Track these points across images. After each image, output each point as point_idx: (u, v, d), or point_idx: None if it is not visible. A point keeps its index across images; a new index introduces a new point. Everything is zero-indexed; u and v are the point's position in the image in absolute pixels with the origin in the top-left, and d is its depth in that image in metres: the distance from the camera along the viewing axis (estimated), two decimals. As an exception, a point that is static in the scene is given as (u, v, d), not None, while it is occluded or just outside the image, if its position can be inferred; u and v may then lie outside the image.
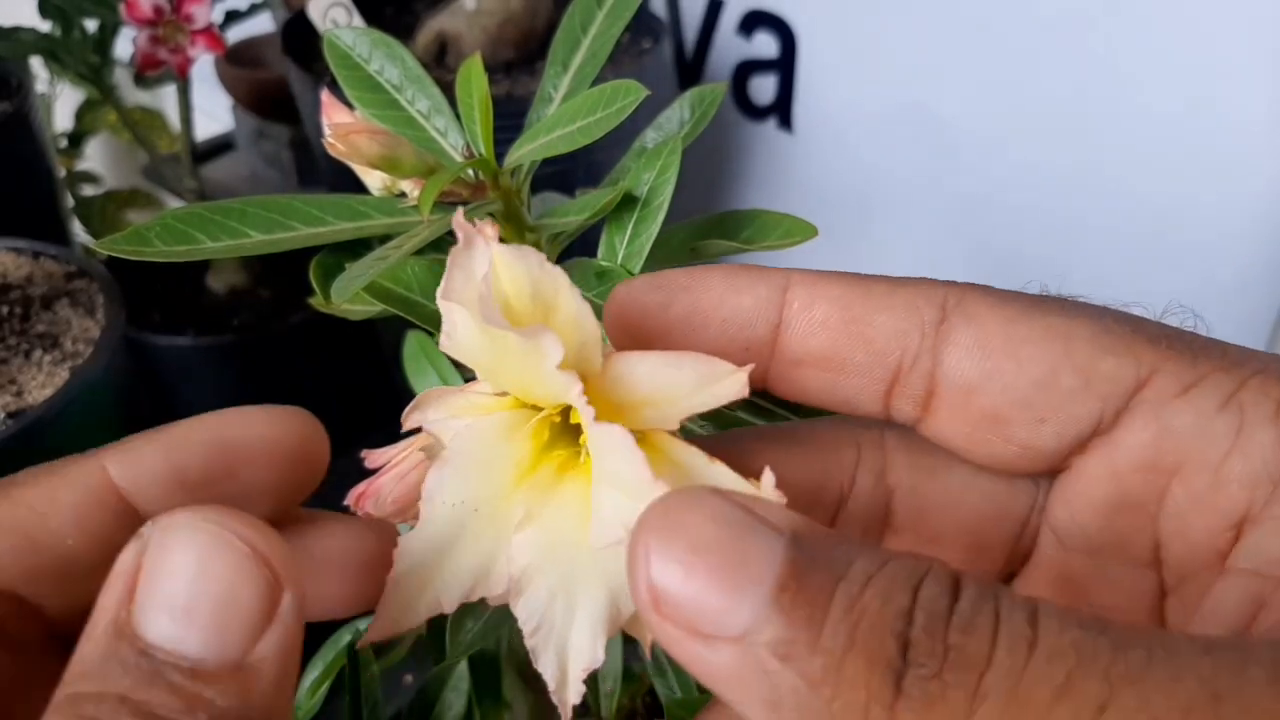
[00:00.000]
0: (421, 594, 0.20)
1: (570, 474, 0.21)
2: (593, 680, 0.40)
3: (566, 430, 0.21)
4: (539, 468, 0.21)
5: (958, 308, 0.20)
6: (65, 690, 0.16)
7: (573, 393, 0.18)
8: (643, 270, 0.31)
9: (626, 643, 0.42)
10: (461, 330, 0.19)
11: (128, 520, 0.19)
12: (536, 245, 0.28)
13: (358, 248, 0.33)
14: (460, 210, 0.20)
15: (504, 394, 0.21)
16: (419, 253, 0.31)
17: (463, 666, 0.37)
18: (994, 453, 0.20)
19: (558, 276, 0.19)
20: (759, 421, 0.27)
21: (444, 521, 0.20)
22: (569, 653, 0.20)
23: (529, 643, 0.20)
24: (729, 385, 0.19)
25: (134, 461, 0.19)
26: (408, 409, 0.22)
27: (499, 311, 0.18)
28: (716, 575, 0.15)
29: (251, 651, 0.16)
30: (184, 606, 0.16)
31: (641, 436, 0.19)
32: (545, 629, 0.20)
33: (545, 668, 0.20)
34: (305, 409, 0.21)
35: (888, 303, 0.20)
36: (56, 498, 0.19)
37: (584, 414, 0.18)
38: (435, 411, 0.22)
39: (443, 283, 0.19)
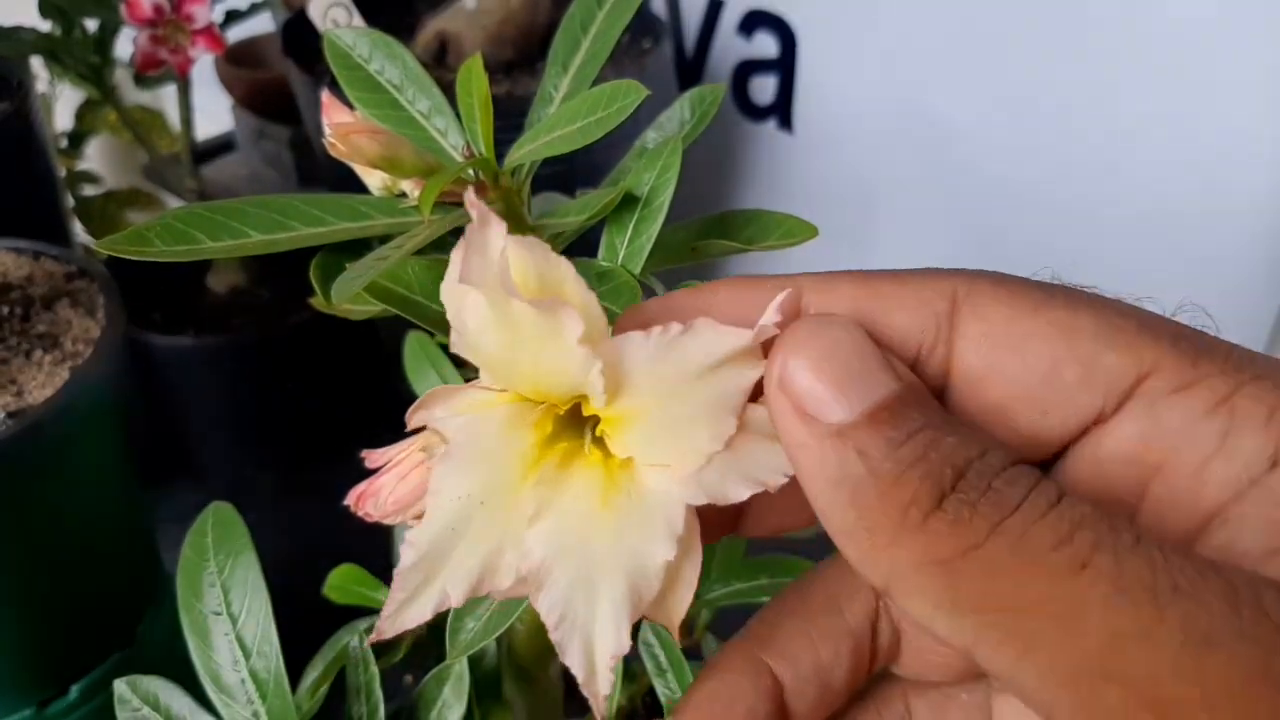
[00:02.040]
0: (428, 588, 0.20)
1: (577, 464, 0.21)
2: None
3: (570, 422, 0.21)
4: (544, 460, 0.21)
5: (967, 299, 0.20)
6: None
7: (594, 370, 0.19)
8: (644, 271, 0.31)
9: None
10: (473, 321, 0.19)
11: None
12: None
13: (358, 248, 0.33)
14: (471, 189, 0.20)
15: (509, 390, 0.21)
16: (419, 253, 0.31)
17: (463, 666, 0.37)
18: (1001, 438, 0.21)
19: (563, 266, 0.19)
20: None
21: (450, 515, 0.20)
22: (595, 643, 0.20)
23: (553, 637, 0.20)
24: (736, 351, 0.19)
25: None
26: (412, 407, 0.22)
27: (518, 288, 0.18)
28: (836, 378, 0.19)
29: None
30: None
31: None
32: (569, 622, 0.20)
33: (572, 660, 0.20)
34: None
35: (901, 301, 0.20)
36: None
37: (598, 390, 0.19)
38: (440, 409, 0.22)
39: (458, 268, 0.19)
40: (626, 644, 0.20)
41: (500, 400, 0.21)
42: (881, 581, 0.18)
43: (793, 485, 0.20)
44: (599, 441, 0.21)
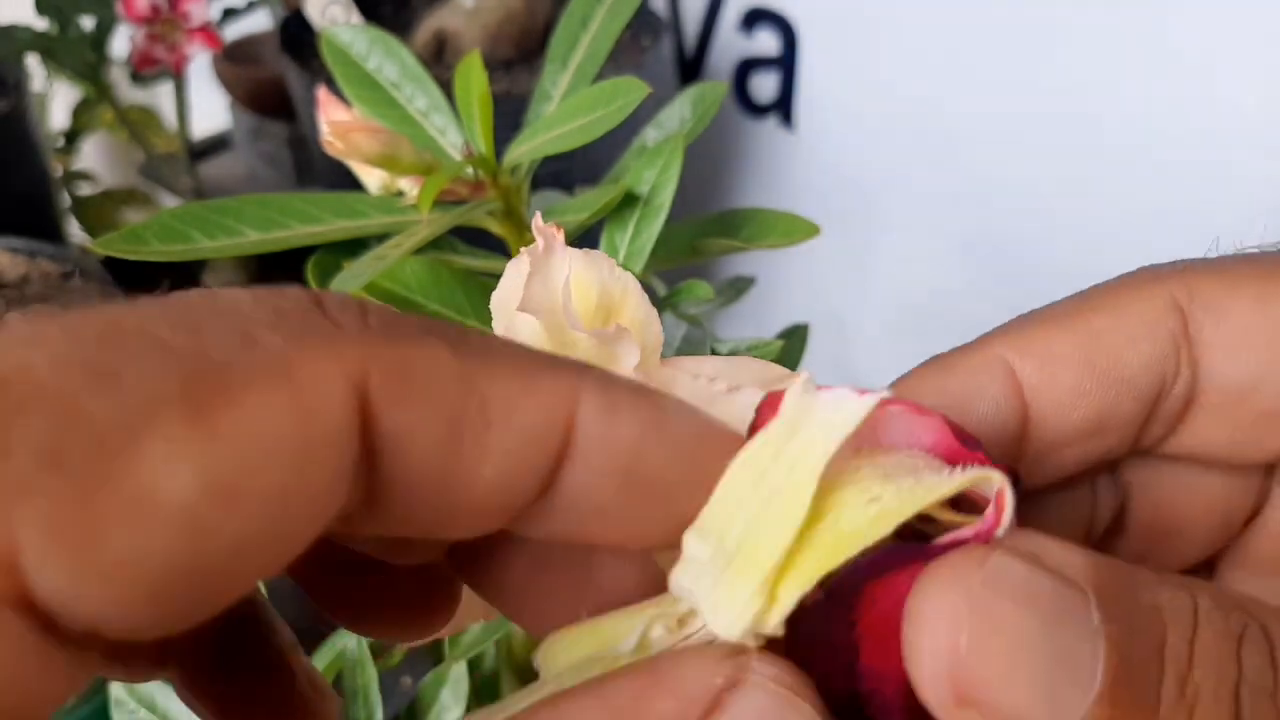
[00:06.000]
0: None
1: None
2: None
3: None
4: None
5: (1194, 302, 0.17)
6: None
7: None
8: (645, 269, 0.31)
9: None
10: (526, 341, 0.19)
11: None
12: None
13: (355, 247, 0.33)
14: (539, 215, 0.20)
15: None
16: (418, 251, 0.31)
17: (461, 669, 0.37)
18: (1266, 451, 0.18)
19: (627, 281, 0.19)
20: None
21: None
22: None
23: None
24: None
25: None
26: None
27: (579, 318, 0.18)
28: (1039, 681, 0.13)
29: None
30: None
31: None
32: None
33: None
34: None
35: (1127, 334, 0.17)
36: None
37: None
38: None
39: (513, 289, 0.19)
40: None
41: None
42: None
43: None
44: None
